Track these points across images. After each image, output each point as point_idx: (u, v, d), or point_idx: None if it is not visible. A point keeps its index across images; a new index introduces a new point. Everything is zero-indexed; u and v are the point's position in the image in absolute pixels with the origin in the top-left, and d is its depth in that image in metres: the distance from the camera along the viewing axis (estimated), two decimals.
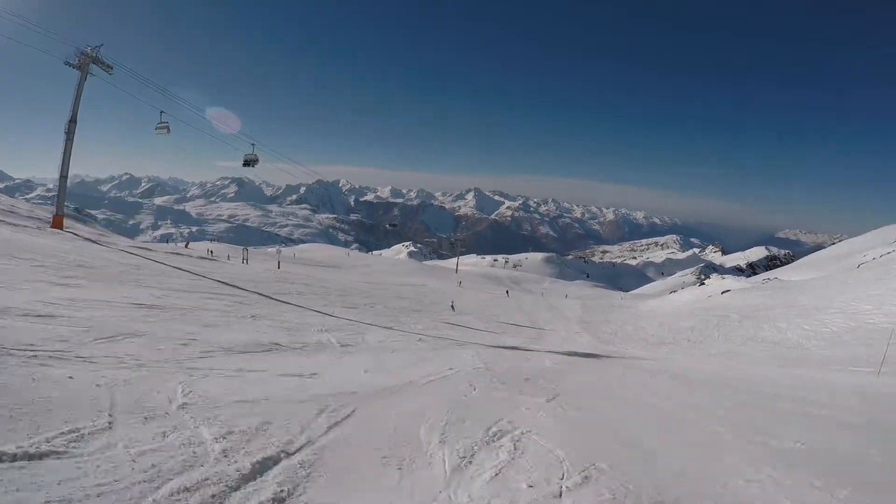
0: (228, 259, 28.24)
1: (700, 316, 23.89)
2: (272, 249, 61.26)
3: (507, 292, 53.41)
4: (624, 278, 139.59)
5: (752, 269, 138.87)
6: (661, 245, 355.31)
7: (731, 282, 39.40)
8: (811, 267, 42.26)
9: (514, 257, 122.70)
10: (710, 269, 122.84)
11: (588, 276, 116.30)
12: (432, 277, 46.24)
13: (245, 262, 29.27)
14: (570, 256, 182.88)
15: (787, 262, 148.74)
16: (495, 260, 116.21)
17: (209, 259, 23.42)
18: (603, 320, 26.24)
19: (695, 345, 18.63)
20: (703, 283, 46.33)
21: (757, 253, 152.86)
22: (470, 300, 28.91)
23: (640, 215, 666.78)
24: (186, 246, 38.31)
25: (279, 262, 32.26)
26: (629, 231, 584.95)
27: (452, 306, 21.88)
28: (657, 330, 22.30)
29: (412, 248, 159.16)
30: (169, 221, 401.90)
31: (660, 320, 24.82)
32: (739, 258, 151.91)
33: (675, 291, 56.44)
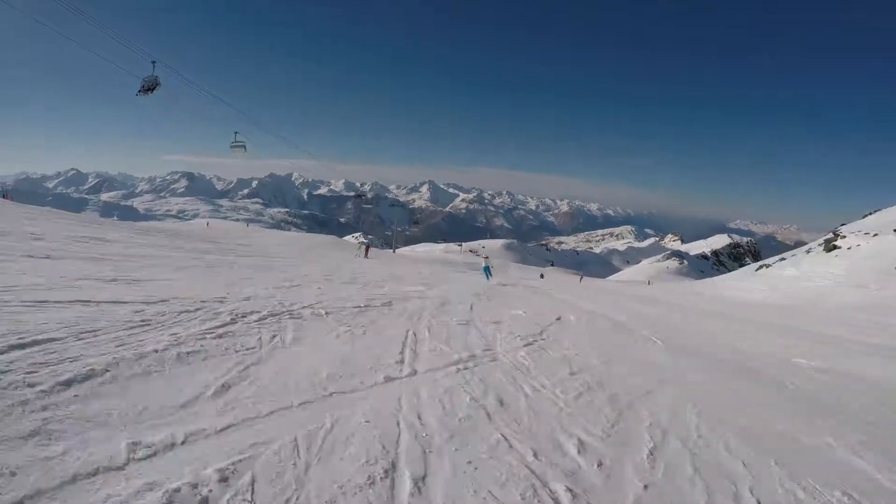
0: None
1: None
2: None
3: (542, 276, 41.96)
4: (590, 265, 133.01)
5: (716, 257, 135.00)
6: (617, 235, 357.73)
7: None
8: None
9: (469, 244, 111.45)
10: (678, 255, 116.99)
11: (553, 264, 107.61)
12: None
13: None
14: (531, 244, 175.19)
15: (750, 250, 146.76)
16: (448, 243, 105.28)
17: None
18: None
19: None
20: (835, 247, 30.40)
21: (719, 241, 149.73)
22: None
23: (594, 207, 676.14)
24: None
25: None
26: (584, 222, 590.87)
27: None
28: None
29: (362, 239, 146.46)
30: (115, 218, 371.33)
31: None
32: (702, 246, 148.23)
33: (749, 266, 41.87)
